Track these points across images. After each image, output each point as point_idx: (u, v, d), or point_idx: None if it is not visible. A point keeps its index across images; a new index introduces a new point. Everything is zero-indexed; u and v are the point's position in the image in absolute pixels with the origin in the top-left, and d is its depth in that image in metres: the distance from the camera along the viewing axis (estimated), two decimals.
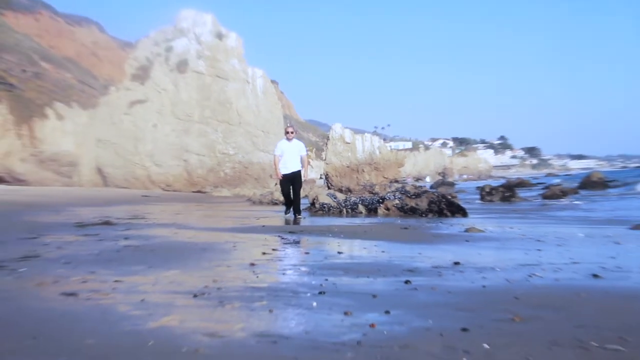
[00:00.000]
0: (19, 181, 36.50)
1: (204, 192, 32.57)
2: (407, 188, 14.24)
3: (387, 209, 12.78)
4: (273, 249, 6.29)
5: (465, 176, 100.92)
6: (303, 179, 12.44)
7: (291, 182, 12.25)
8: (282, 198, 13.78)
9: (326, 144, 29.73)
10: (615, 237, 7.33)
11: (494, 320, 2.91)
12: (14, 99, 38.36)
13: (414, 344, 2.45)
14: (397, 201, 12.79)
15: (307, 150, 12.74)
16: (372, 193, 22.44)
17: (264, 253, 5.85)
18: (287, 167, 12.21)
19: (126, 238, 6.96)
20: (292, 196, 12.27)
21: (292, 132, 12.39)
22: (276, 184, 12.73)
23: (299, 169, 12.30)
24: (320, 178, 44.76)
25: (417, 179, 74.70)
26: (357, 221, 10.99)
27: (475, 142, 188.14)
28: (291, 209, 12.26)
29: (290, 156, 12.23)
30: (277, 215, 10.84)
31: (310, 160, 60.30)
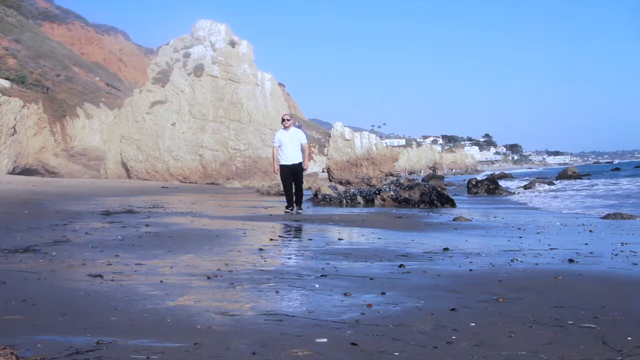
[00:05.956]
0: (51, 173, 36.53)
1: (217, 184, 32.55)
2: (401, 181, 14.21)
3: (383, 199, 12.75)
4: (279, 236, 6.28)
5: (453, 170, 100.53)
6: (304, 169, 10.50)
7: (292, 174, 10.33)
8: None
9: (328, 141, 29.68)
10: (588, 225, 7.30)
11: (480, 301, 2.89)
12: (48, 99, 38.31)
13: (407, 323, 2.43)
14: (392, 193, 12.76)
15: (307, 139, 10.73)
16: (370, 185, 22.40)
17: (271, 239, 5.84)
18: (287, 157, 10.25)
19: (147, 225, 6.95)
20: (293, 189, 10.38)
21: (288, 120, 10.53)
22: None
23: (299, 160, 10.31)
24: (323, 171, 44.72)
25: (410, 173, 74.54)
26: (355, 211, 10.96)
27: (463, 140, 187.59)
28: (293, 204, 10.32)
29: (289, 146, 10.25)
30: (284, 206, 10.72)
31: (313, 154, 60.08)
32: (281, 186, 11.24)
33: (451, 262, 4.24)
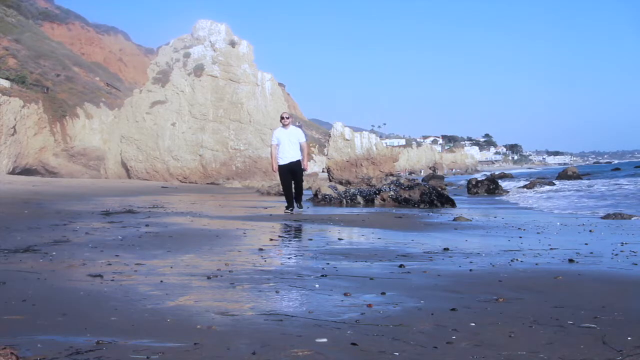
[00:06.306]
0: (51, 173, 36.52)
1: (217, 184, 32.55)
2: (401, 181, 14.21)
3: (383, 199, 12.75)
4: (279, 236, 6.28)
5: (453, 170, 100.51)
6: (303, 168, 10.37)
7: (291, 173, 10.21)
8: None
9: (328, 141, 29.71)
10: (588, 225, 7.30)
11: (480, 301, 2.89)
12: (49, 99, 38.31)
13: (407, 323, 2.43)
14: (392, 193, 12.75)
15: (306, 138, 10.67)
16: (370, 185, 22.40)
17: (271, 239, 5.84)
18: (286, 156, 10.11)
19: (147, 225, 6.95)
20: (293, 188, 10.32)
21: (287, 118, 10.34)
22: None
23: (298, 158, 10.18)
24: (323, 171, 44.72)
25: (410, 173, 74.51)
26: (355, 211, 10.96)
27: (463, 140, 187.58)
28: (293, 203, 10.27)
29: (288, 144, 10.10)
30: (284, 205, 10.63)
31: (312, 154, 60.05)
32: (281, 186, 11.09)
33: (451, 262, 4.23)
